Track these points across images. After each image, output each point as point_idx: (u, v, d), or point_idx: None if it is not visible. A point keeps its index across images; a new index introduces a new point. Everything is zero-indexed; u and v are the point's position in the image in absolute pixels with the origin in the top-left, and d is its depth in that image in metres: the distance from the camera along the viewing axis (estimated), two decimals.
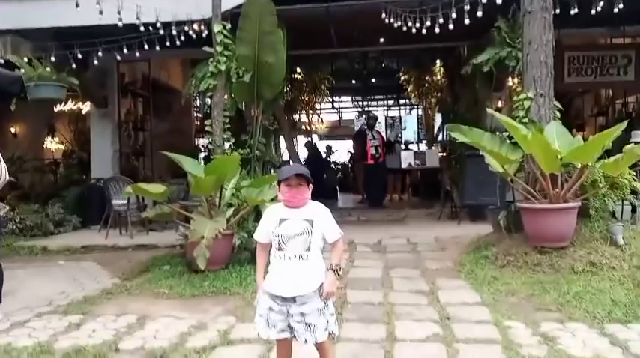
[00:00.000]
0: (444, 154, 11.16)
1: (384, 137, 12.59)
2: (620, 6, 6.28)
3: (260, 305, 2.63)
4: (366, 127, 12.04)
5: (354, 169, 14.33)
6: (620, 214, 6.10)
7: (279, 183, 2.63)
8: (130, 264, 6.24)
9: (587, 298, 4.25)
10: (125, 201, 7.90)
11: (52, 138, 12.26)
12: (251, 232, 5.95)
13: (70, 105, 11.67)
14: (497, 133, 6.00)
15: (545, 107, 5.59)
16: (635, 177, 5.62)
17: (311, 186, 2.63)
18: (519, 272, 5.12)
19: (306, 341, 2.55)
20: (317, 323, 2.53)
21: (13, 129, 12.27)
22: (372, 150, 11.30)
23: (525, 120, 5.66)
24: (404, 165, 10.01)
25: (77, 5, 6.14)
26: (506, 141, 5.47)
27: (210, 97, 6.44)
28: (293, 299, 2.53)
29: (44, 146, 12.44)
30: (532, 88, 5.61)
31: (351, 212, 10.38)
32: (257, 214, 6.15)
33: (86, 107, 11.05)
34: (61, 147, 12.26)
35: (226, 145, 6.23)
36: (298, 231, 2.55)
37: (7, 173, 4.04)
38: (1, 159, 3.96)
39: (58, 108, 11.65)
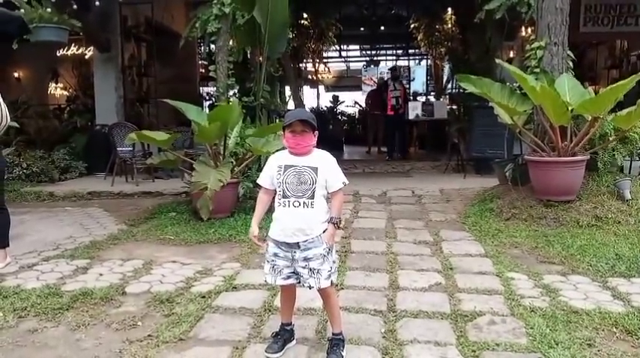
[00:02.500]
0: (452, 107, 10.99)
1: (406, 88, 12.46)
2: None
3: (267, 252, 2.65)
4: (389, 77, 11.82)
5: (365, 121, 14.19)
6: (629, 169, 6.03)
7: (283, 130, 2.58)
8: (136, 211, 6.29)
9: (590, 252, 4.25)
10: (130, 148, 7.87)
11: (56, 83, 12.10)
12: (256, 181, 5.97)
13: (73, 50, 11.47)
14: (508, 84, 5.86)
15: (559, 57, 5.43)
16: None
17: (316, 132, 2.58)
18: (524, 225, 5.12)
19: (310, 287, 2.59)
20: (321, 268, 2.56)
21: (16, 74, 12.11)
22: (393, 101, 11.16)
23: (537, 70, 5.51)
24: (411, 116, 9.87)
25: None
26: (515, 91, 5.34)
27: (214, 42, 6.27)
28: (297, 245, 2.56)
29: (48, 91, 12.31)
30: (546, 36, 5.43)
31: (356, 164, 10.35)
32: (261, 163, 6.14)
33: (89, 52, 10.84)
34: (65, 93, 12.14)
35: (230, 92, 6.13)
36: (303, 179, 2.54)
37: (8, 116, 3.99)
38: (1, 102, 3.89)
39: (60, 52, 11.46)
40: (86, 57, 11.23)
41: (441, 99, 12.63)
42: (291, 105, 9.08)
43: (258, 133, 5.48)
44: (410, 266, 4.08)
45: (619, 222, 4.87)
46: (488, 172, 7.70)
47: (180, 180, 7.11)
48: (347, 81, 22.09)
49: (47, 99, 12.03)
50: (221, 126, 5.08)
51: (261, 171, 6.10)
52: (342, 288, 3.56)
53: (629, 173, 5.87)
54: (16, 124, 7.29)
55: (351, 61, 22.23)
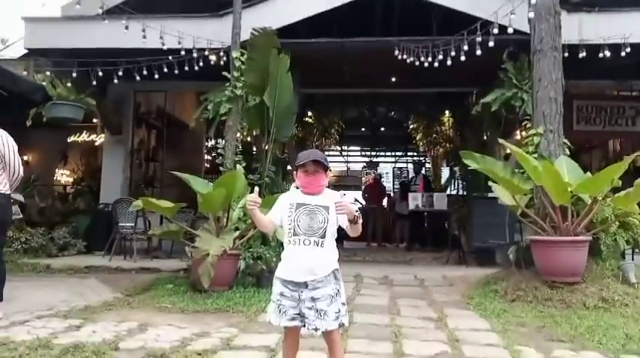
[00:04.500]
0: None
1: (428, 178, 13.19)
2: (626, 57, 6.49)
3: (273, 292, 2.60)
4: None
5: (364, 216, 14.34)
6: (632, 257, 6.03)
7: (296, 169, 2.64)
8: (133, 284, 6.16)
9: (599, 332, 4.13)
10: (132, 224, 7.88)
11: (65, 165, 12.39)
12: (257, 255, 5.94)
13: (84, 137, 11.90)
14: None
15: (555, 143, 5.66)
16: None
17: (329, 172, 2.64)
18: (529, 306, 5.02)
19: (316, 329, 2.50)
20: (328, 310, 2.49)
21: (26, 157, 12.43)
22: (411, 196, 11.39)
23: (535, 155, 5.70)
24: (411, 207, 10.00)
25: (126, 27, 6.58)
26: (517, 172, 5.49)
27: (224, 122, 6.55)
28: (305, 284, 2.51)
29: (55, 176, 12.56)
30: (542, 124, 5.70)
31: (357, 252, 10.28)
32: (263, 238, 6.14)
33: (99, 139, 11.25)
34: (70, 180, 12.39)
35: (238, 168, 6.28)
36: (314, 218, 2.54)
37: (22, 170, 4.09)
38: (15, 151, 3.99)
39: (71, 138, 11.88)
40: (96, 143, 11.63)
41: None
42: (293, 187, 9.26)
43: (263, 204, 5.51)
44: (414, 337, 3.95)
45: (626, 304, 4.78)
46: (490, 264, 7.63)
47: (180, 260, 7.07)
48: (347, 180, 22.52)
49: (53, 181, 12.25)
50: (226, 194, 5.16)
51: (265, 243, 6.10)
52: (346, 352, 3.42)
53: (632, 259, 5.85)
54: (22, 199, 7.41)
55: (351, 162, 22.82)
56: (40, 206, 10.15)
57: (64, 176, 12.61)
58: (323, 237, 2.54)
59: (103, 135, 10.54)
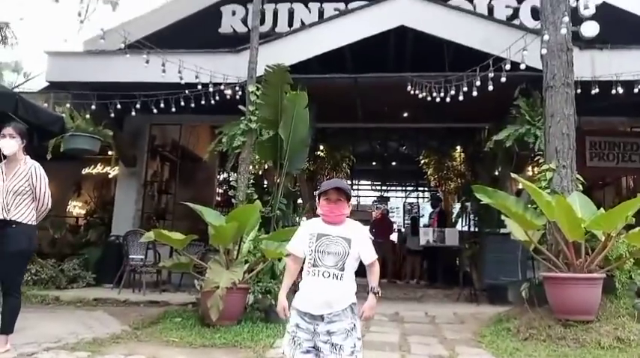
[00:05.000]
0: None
1: (443, 212, 13.20)
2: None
3: (289, 322, 2.57)
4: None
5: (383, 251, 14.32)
6: None
7: (318, 198, 2.63)
8: (141, 317, 6.12)
9: None
10: (142, 256, 7.89)
11: (78, 197, 12.51)
12: (266, 289, 5.90)
13: (98, 169, 12.04)
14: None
15: (568, 178, 5.64)
16: None
17: (351, 202, 2.62)
18: (543, 345, 4.92)
19: None
20: (344, 344, 2.46)
21: None
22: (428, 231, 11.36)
23: (548, 191, 5.68)
24: (422, 242, 9.92)
25: (147, 62, 6.87)
26: (529, 208, 5.46)
27: (238, 155, 6.63)
28: (321, 317, 2.48)
29: (67, 208, 12.67)
30: (554, 160, 5.70)
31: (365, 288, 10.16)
32: (272, 272, 6.11)
33: (113, 171, 11.39)
34: (82, 211, 12.48)
35: (257, 202, 6.31)
36: (335, 249, 2.52)
37: (50, 201, 4.17)
38: (46, 184, 4.08)
39: (86, 170, 12.03)
40: (110, 176, 11.77)
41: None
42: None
43: (274, 237, 5.55)
44: None
45: None
46: (502, 302, 7.49)
47: (189, 294, 7.04)
48: (357, 215, 22.39)
49: (65, 213, 12.35)
50: (238, 227, 5.17)
51: (274, 278, 6.06)
52: None
53: None
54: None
55: (362, 196, 22.79)
56: (54, 237, 10.22)
57: (76, 208, 12.73)
58: (342, 269, 2.51)
59: (116, 168, 10.68)
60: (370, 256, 2.58)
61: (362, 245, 2.57)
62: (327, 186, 2.62)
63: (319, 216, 2.65)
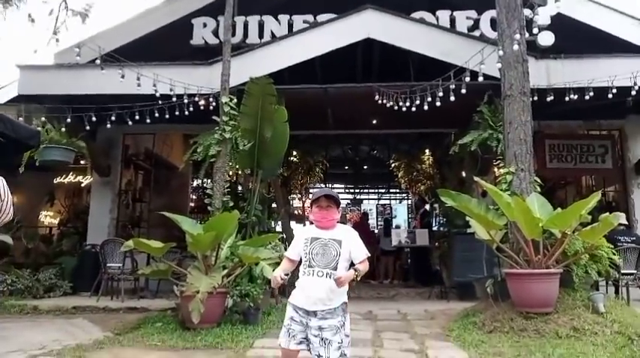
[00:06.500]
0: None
1: (423, 215, 13.51)
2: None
3: (285, 316, 2.87)
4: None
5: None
6: (606, 288, 6.32)
7: (311, 205, 2.93)
8: (122, 323, 6.25)
9: None
10: (119, 264, 7.98)
11: (51, 206, 12.44)
12: (244, 292, 6.09)
13: (70, 178, 12.02)
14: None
15: (526, 181, 6.01)
16: (614, 251, 5.92)
17: (341, 208, 2.93)
18: (506, 336, 5.24)
19: (319, 355, 2.73)
20: (332, 339, 2.74)
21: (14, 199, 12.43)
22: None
23: (508, 193, 6.04)
24: (394, 243, 10.25)
25: (122, 76, 7.02)
26: (491, 209, 5.80)
27: (213, 164, 6.81)
28: (314, 313, 2.77)
29: (39, 217, 12.58)
30: (513, 163, 6.06)
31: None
32: (250, 276, 6.31)
33: (85, 180, 11.40)
34: (55, 221, 12.42)
35: (234, 212, 6.50)
36: (327, 251, 2.82)
37: (12, 212, 4.16)
38: (9, 194, 4.09)
39: (58, 179, 11.99)
40: (82, 185, 11.77)
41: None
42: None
43: (250, 243, 5.76)
44: None
45: (595, 333, 5.03)
46: (470, 298, 7.84)
47: (167, 300, 7.17)
48: None
49: (38, 223, 12.28)
50: (216, 235, 5.37)
51: (252, 280, 6.25)
52: None
53: (606, 290, 6.14)
54: (10, 240, 7.49)
55: None
56: (27, 247, 10.19)
57: (47, 217, 12.66)
58: (335, 269, 2.80)
59: (89, 177, 10.71)
60: (361, 255, 2.87)
61: (353, 245, 2.87)
62: (317, 194, 2.92)
63: (312, 223, 2.94)
